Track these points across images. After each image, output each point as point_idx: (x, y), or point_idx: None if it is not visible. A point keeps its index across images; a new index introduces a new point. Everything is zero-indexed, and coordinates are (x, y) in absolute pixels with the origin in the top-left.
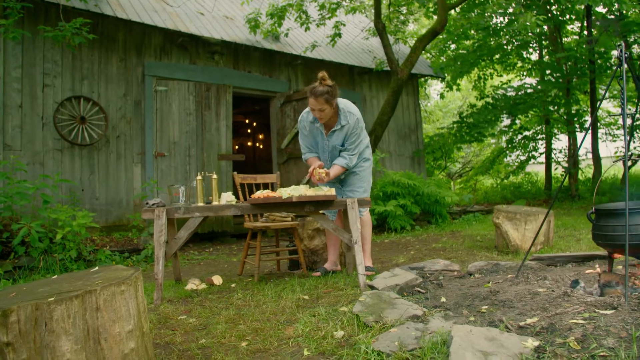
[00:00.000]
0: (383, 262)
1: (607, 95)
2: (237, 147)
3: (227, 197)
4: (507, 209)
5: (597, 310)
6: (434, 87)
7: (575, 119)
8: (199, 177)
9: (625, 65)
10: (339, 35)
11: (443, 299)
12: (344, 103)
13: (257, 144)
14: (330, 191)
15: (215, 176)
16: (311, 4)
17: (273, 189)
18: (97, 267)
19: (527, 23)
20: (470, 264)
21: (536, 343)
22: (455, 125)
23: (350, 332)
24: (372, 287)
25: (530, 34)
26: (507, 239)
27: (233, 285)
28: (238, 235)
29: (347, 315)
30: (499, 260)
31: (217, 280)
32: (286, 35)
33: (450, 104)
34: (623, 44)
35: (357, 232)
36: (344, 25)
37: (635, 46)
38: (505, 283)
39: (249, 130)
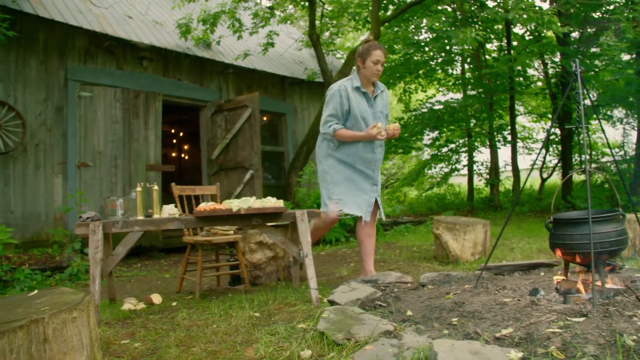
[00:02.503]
0: (326, 275)
1: (561, 106)
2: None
3: (170, 210)
4: (447, 219)
5: (569, 318)
6: None
7: (496, 133)
8: (139, 189)
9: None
10: (272, 44)
11: (409, 313)
12: None
13: (183, 155)
14: (278, 203)
15: (156, 187)
16: (245, 11)
17: (215, 201)
18: (36, 291)
19: (467, 38)
20: (419, 275)
21: (520, 354)
22: None
23: (319, 352)
24: (332, 302)
25: (465, 47)
26: (447, 249)
27: (174, 303)
28: (167, 249)
29: (311, 333)
30: (441, 270)
31: (157, 298)
32: (218, 42)
33: None
34: (577, 61)
35: (307, 245)
36: (277, 34)
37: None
38: (466, 294)
39: (174, 141)
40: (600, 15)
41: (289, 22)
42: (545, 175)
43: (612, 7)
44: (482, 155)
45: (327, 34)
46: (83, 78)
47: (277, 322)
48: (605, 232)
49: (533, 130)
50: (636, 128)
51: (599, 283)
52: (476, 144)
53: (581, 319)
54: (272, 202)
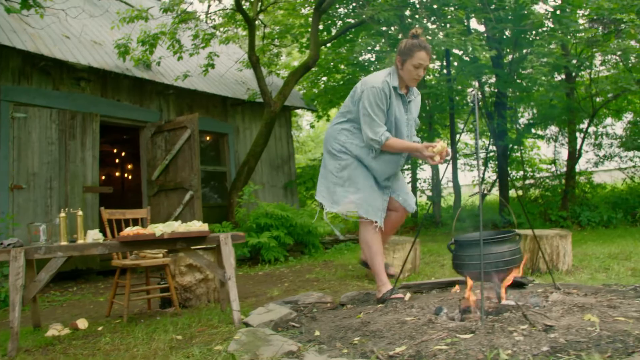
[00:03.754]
0: (257, 295)
1: (464, 129)
2: (104, 177)
3: (94, 235)
4: None
5: (458, 335)
6: (306, 118)
7: None
8: (63, 214)
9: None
10: (212, 65)
11: (317, 333)
12: None
13: (126, 175)
14: (203, 226)
15: (80, 213)
16: (185, 32)
17: (143, 225)
18: None
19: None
20: (342, 294)
21: None
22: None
23: None
24: (246, 324)
25: None
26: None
27: (100, 328)
28: (105, 272)
29: (223, 355)
30: (370, 289)
31: (82, 323)
32: (158, 63)
33: (321, 135)
34: (476, 90)
35: (230, 268)
36: (218, 56)
37: (486, 86)
38: (375, 313)
39: (117, 160)
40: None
41: (232, 42)
42: (485, 192)
43: (541, 29)
44: (425, 172)
45: (268, 54)
46: (17, 99)
47: (196, 345)
48: (499, 252)
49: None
50: (567, 145)
51: (496, 300)
52: (418, 161)
53: (469, 336)
54: (197, 226)
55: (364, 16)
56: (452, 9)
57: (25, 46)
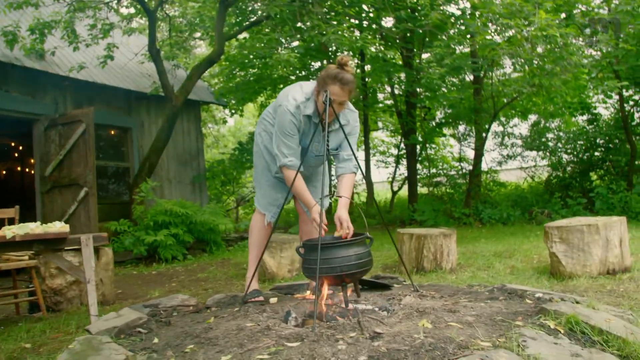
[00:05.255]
0: (138, 296)
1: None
2: (4, 172)
3: None
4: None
5: (285, 344)
6: (225, 112)
7: None
8: None
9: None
10: (111, 57)
11: (155, 340)
12: None
13: (28, 169)
14: (64, 228)
15: None
16: (82, 21)
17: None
18: None
19: (282, 60)
20: (210, 297)
21: None
22: (236, 151)
23: None
24: (88, 331)
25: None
26: (263, 266)
27: None
28: None
29: None
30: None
31: None
32: (52, 53)
33: (243, 129)
34: (329, 91)
35: (90, 270)
36: (117, 47)
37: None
38: (225, 318)
39: (16, 154)
40: (445, 39)
41: (139, 33)
42: (395, 188)
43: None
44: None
45: (175, 47)
46: None
47: (42, 354)
48: (344, 256)
49: (391, 145)
50: (473, 145)
51: (342, 305)
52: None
53: (296, 344)
54: (56, 227)
55: (260, 12)
56: (344, 5)
57: None
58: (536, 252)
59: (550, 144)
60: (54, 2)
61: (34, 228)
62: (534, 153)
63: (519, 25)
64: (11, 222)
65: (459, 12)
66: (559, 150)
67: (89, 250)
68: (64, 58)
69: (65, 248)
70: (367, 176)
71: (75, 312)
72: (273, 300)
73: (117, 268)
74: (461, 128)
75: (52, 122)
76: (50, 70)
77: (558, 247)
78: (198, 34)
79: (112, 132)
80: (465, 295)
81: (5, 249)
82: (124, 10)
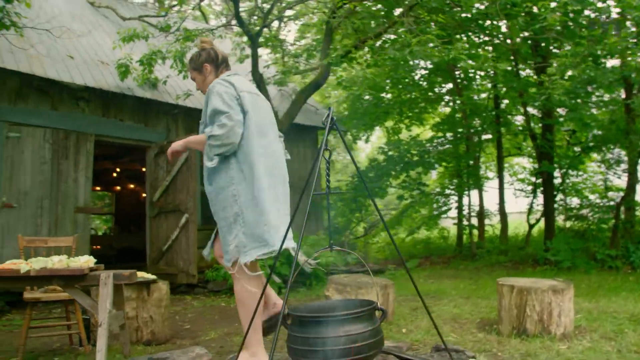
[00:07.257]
0: (190, 337)
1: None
2: (130, 193)
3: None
4: (341, 280)
5: None
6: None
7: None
8: None
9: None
10: None
11: None
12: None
13: (142, 195)
14: (88, 262)
15: None
16: (192, 50)
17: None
18: None
19: None
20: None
21: None
22: (355, 178)
23: None
24: None
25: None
26: None
27: None
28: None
29: None
30: None
31: None
32: (164, 82)
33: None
34: (331, 108)
35: (104, 312)
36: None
37: None
38: None
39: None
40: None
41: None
42: (532, 221)
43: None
44: (473, 198)
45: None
46: (12, 119)
47: None
48: (333, 336)
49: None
50: (621, 172)
51: None
52: (464, 186)
53: None
54: (80, 261)
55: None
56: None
57: (17, 67)
58: None
59: None
60: (160, 33)
61: (55, 262)
62: None
63: None
64: (68, 250)
65: (594, 15)
66: None
67: (107, 290)
68: (175, 85)
69: (90, 284)
70: (500, 206)
71: (117, 349)
72: None
73: (209, 299)
74: (613, 153)
75: (161, 149)
76: (161, 99)
77: None
78: (303, 59)
79: None
80: None
81: (22, 283)
82: (235, 39)
